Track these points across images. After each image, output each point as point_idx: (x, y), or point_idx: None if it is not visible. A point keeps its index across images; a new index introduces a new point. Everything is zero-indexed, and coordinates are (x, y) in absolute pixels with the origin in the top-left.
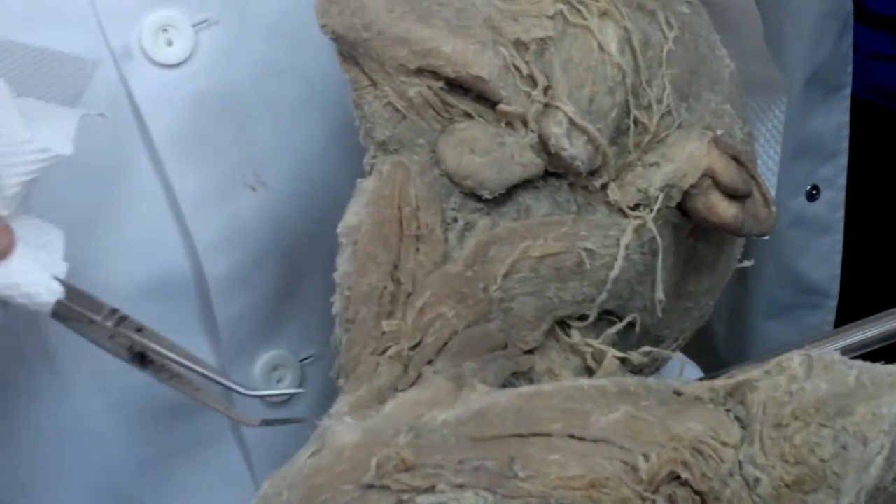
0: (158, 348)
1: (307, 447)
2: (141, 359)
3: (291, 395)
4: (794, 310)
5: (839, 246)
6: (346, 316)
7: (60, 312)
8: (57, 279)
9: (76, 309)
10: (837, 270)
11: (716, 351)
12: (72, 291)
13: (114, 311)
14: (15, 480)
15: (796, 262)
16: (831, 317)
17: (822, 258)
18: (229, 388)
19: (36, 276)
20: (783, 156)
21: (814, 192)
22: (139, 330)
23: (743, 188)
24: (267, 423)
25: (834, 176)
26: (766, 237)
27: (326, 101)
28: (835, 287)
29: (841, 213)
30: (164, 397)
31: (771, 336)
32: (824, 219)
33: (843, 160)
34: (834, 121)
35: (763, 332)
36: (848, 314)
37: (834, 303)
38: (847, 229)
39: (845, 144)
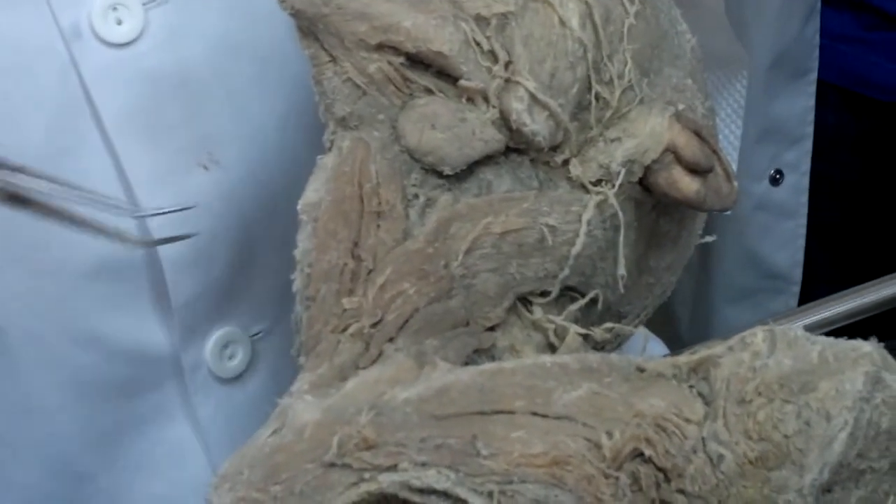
0: (34, 187)
1: (267, 425)
2: (15, 199)
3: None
4: (757, 294)
5: (802, 231)
6: (306, 293)
7: None
8: None
9: None
10: (800, 255)
11: (679, 337)
12: None
13: None
14: None
15: (759, 246)
16: (794, 302)
17: (784, 243)
18: (113, 208)
19: None
20: (746, 139)
21: (777, 176)
22: (20, 170)
23: (705, 163)
24: (159, 242)
25: (798, 160)
26: (728, 213)
27: (281, 79)
28: (797, 272)
29: (805, 198)
30: (115, 374)
31: (734, 321)
32: (788, 203)
33: (808, 145)
34: (799, 105)
35: (726, 317)
36: (810, 299)
37: (797, 288)
38: (810, 214)
39: (810, 129)
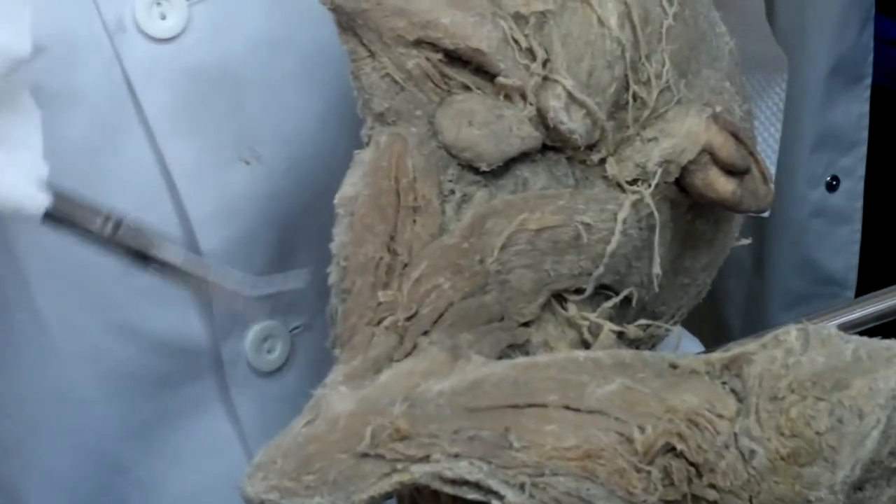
0: (156, 249)
1: (302, 416)
2: (142, 258)
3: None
4: (811, 300)
5: (857, 236)
6: (342, 286)
7: (51, 218)
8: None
9: (67, 217)
10: (855, 260)
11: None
12: (60, 197)
13: (107, 217)
14: (0, 447)
15: (815, 252)
16: None
17: (840, 248)
18: (228, 286)
19: (21, 187)
20: (802, 147)
21: (833, 182)
22: (136, 231)
23: (741, 164)
24: (261, 296)
25: (853, 166)
26: (765, 215)
27: (322, 74)
28: (852, 277)
29: (860, 204)
30: (154, 366)
31: None
32: (843, 209)
33: (863, 150)
34: (854, 111)
35: (779, 324)
36: None
37: (851, 293)
38: (864, 219)
39: (865, 134)
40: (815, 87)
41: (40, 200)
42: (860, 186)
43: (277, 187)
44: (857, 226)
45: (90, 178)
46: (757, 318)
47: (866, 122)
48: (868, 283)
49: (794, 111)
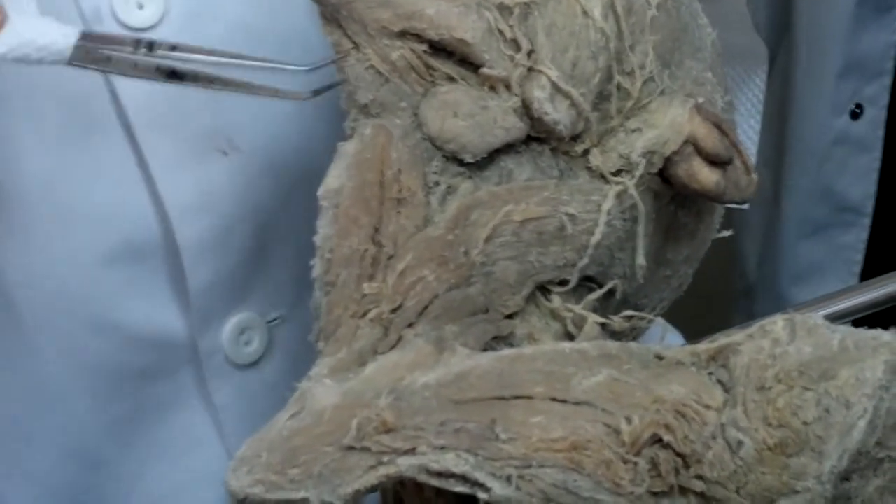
0: (188, 57)
1: (286, 409)
2: (173, 74)
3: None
4: (828, 228)
5: (877, 164)
6: (326, 279)
7: (78, 56)
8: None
9: (96, 49)
10: (873, 188)
11: (746, 275)
12: (84, 34)
13: (137, 41)
14: None
15: (834, 180)
16: (865, 234)
17: (859, 176)
18: (277, 69)
19: (45, 27)
20: (828, 74)
21: (857, 110)
22: (174, 48)
23: (724, 155)
24: (317, 92)
25: (878, 94)
26: (746, 206)
27: (301, 63)
28: (869, 205)
29: (881, 132)
30: (132, 360)
31: (804, 256)
32: (866, 137)
33: (888, 79)
34: (882, 40)
35: (796, 252)
36: (880, 233)
37: (868, 221)
38: (885, 148)
39: (891, 64)
40: (844, 13)
41: (69, 33)
42: (883, 115)
43: (255, 178)
44: (878, 154)
45: (66, 167)
46: (774, 247)
47: (893, 51)
48: (885, 213)
49: (821, 38)
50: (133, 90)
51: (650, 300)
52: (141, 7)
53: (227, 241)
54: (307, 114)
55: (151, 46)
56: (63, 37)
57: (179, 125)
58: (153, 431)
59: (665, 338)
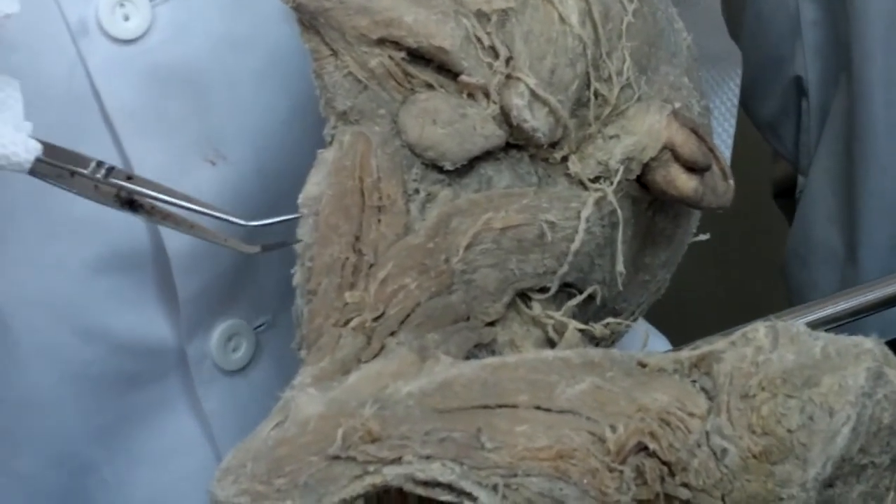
0: (148, 192)
1: (270, 418)
2: (130, 204)
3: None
4: None
5: None
6: (307, 287)
7: (39, 170)
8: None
9: (57, 165)
10: None
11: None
12: (49, 148)
13: (99, 163)
14: None
15: None
16: None
17: None
18: (226, 221)
19: (9, 136)
20: None
21: None
22: (129, 178)
23: (702, 161)
24: (266, 248)
25: None
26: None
27: (287, 74)
28: None
29: None
30: (120, 367)
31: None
32: None
33: None
34: None
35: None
36: None
37: None
38: None
39: None
40: None
41: (31, 148)
42: None
43: (242, 187)
44: None
45: None
46: None
47: None
48: None
49: None
50: (120, 99)
51: (629, 304)
52: (127, 19)
53: (215, 249)
54: (294, 123)
55: (110, 172)
56: (25, 151)
57: (167, 134)
58: (142, 438)
59: (647, 343)
